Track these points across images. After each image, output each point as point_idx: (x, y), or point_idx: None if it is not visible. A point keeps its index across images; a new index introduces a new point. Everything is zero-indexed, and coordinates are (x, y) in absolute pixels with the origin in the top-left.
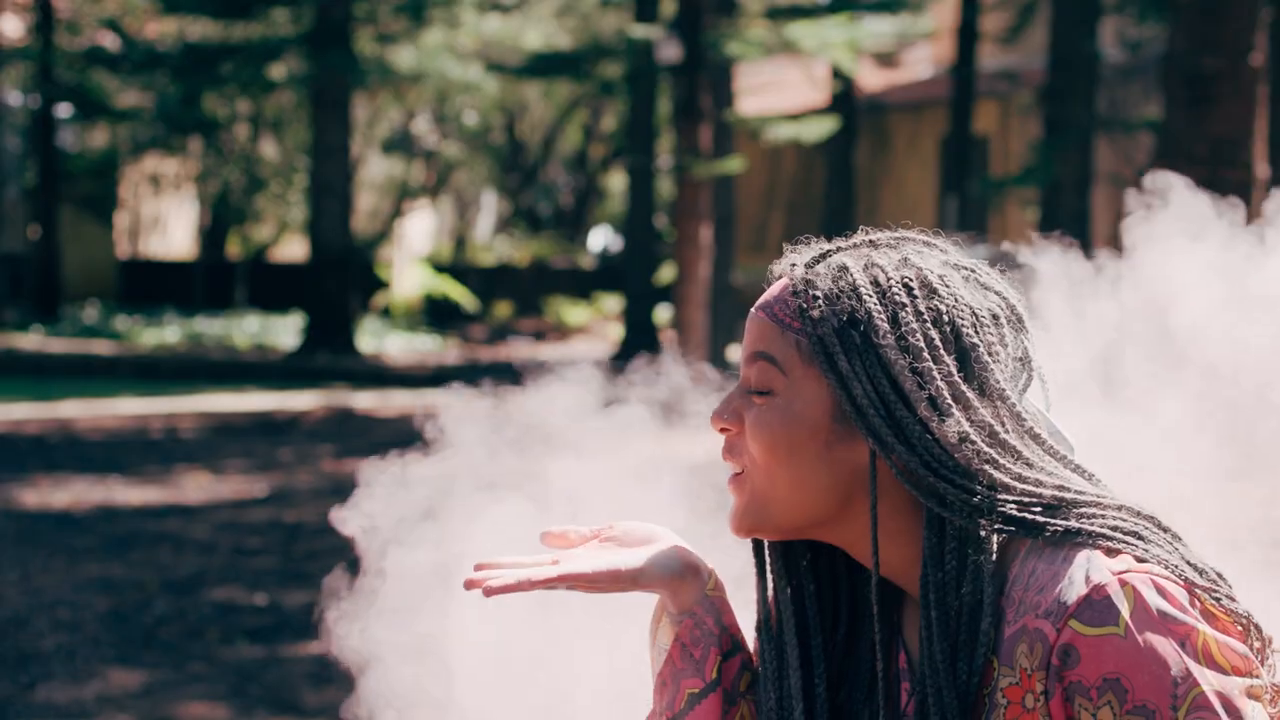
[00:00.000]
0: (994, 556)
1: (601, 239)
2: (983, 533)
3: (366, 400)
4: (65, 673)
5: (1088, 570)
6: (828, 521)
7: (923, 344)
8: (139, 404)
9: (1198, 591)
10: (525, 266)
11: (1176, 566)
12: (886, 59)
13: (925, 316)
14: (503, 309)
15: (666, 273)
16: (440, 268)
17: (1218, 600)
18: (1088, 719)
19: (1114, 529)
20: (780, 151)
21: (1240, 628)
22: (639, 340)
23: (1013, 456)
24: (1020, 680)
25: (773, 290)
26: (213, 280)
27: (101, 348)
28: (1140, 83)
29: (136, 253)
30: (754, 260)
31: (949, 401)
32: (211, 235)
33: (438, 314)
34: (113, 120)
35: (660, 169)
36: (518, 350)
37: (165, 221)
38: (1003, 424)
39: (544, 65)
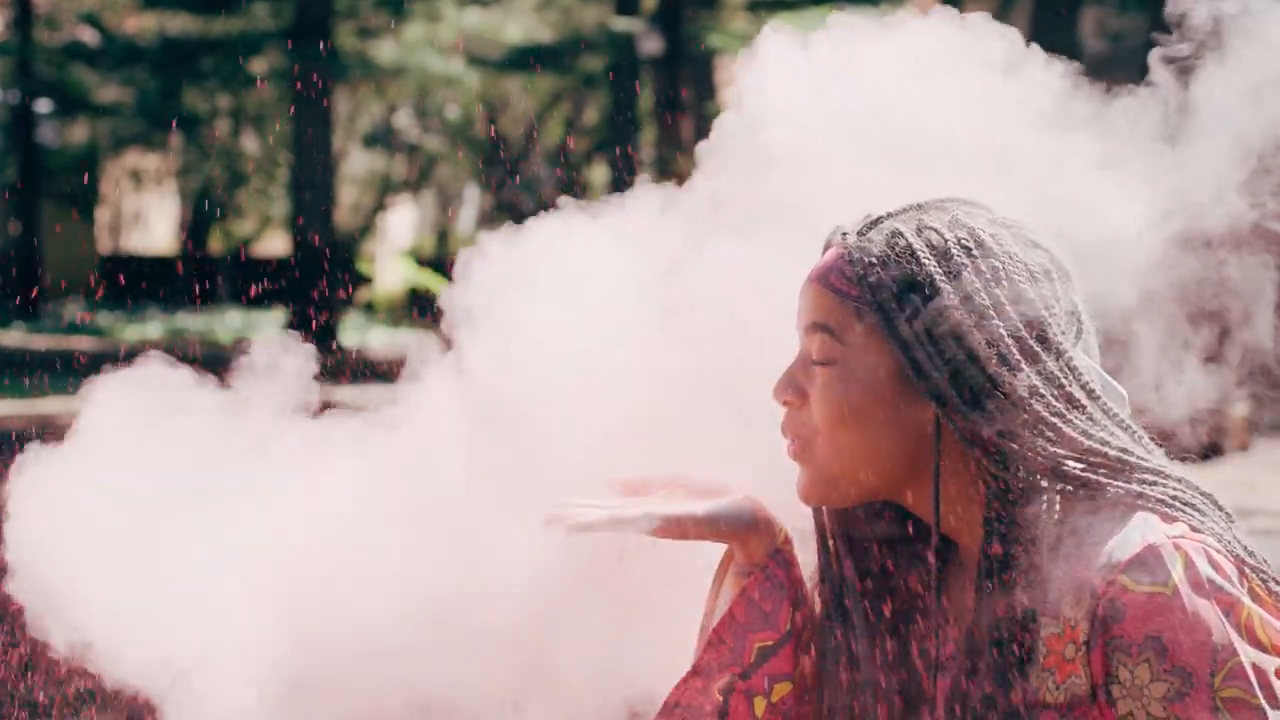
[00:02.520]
0: (1056, 510)
1: None
2: (1045, 489)
3: (349, 394)
4: (49, 670)
5: (1143, 531)
6: (893, 486)
7: (988, 302)
8: None
9: (1247, 570)
10: None
11: (1229, 543)
12: None
13: (985, 275)
14: None
15: None
16: (423, 262)
17: (1265, 582)
18: (1125, 675)
19: (1174, 498)
20: None
21: None
22: None
23: (1079, 411)
24: (1063, 630)
25: (825, 259)
26: (195, 276)
27: (83, 344)
28: (1122, 73)
29: (118, 248)
30: None
31: (1018, 357)
32: (193, 230)
33: (421, 308)
34: (93, 115)
35: (643, 162)
36: None
37: (146, 217)
38: (1065, 378)
39: (525, 59)
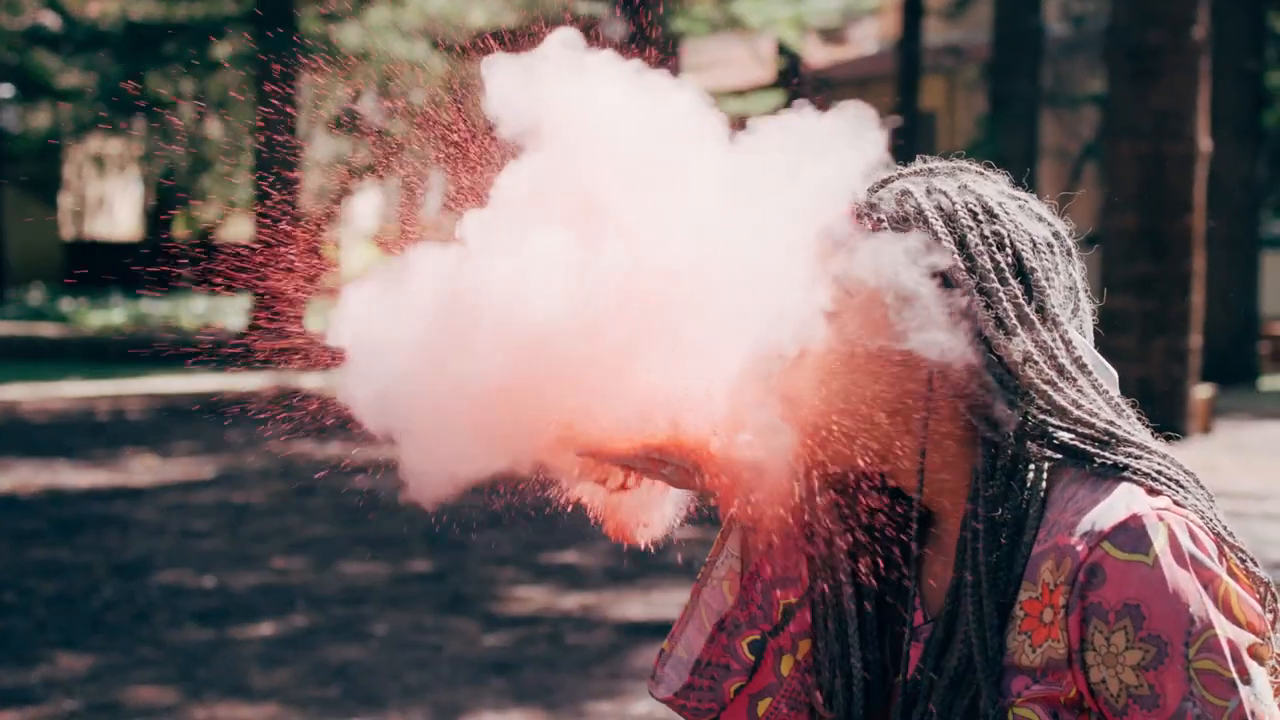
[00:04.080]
0: (1043, 477)
1: None
2: (1033, 456)
3: (316, 381)
4: (11, 657)
5: (1128, 501)
6: (883, 451)
7: (989, 266)
8: (85, 386)
9: (1226, 548)
10: None
11: (1211, 520)
12: (832, 34)
13: (990, 240)
14: None
15: None
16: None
17: (1243, 562)
18: (1101, 641)
19: (1159, 473)
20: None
21: (1259, 594)
22: None
23: (1069, 382)
24: (1041, 594)
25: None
26: (158, 261)
27: (47, 330)
28: (1084, 57)
29: (81, 234)
30: None
31: (1015, 322)
32: (157, 216)
33: None
34: (55, 101)
35: None
36: None
37: (110, 202)
38: (1058, 348)
39: (490, 43)
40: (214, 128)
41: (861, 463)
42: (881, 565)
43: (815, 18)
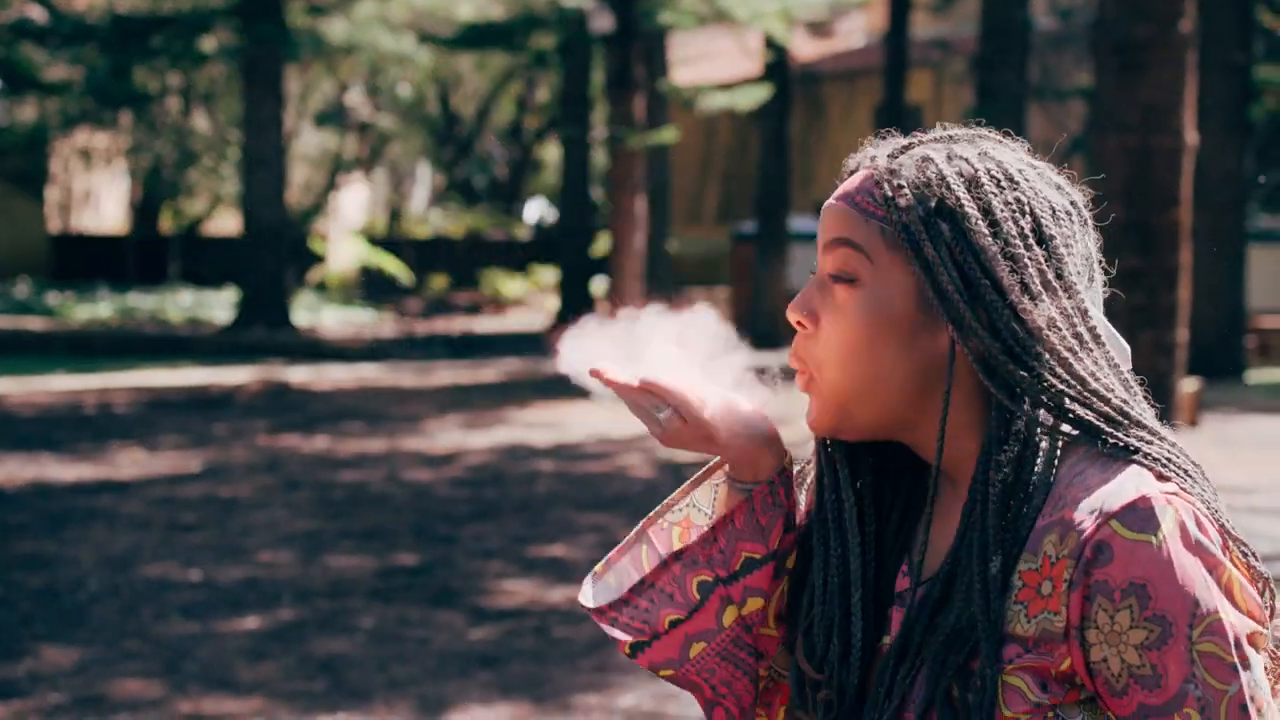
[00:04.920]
0: (1057, 452)
1: (537, 211)
2: (1046, 427)
3: (301, 374)
4: None
5: (1137, 483)
6: (902, 419)
7: (1015, 232)
8: (72, 380)
9: (1228, 540)
10: (460, 239)
11: (1216, 512)
12: (820, 28)
13: (1013, 206)
14: (438, 282)
15: (602, 244)
16: (375, 241)
17: (1244, 556)
18: (1104, 619)
19: (1169, 460)
20: (714, 121)
21: (1258, 587)
22: (575, 312)
23: (1087, 352)
24: (1041, 566)
25: (852, 181)
26: (145, 255)
27: (34, 324)
28: (1072, 50)
29: (68, 228)
30: (689, 230)
31: (1039, 288)
32: (144, 209)
33: (373, 287)
34: (42, 94)
35: (595, 140)
36: (453, 323)
37: (97, 196)
38: (1076, 318)
39: (476, 36)
40: (201, 122)
41: (879, 427)
42: (886, 530)
43: (802, 11)
